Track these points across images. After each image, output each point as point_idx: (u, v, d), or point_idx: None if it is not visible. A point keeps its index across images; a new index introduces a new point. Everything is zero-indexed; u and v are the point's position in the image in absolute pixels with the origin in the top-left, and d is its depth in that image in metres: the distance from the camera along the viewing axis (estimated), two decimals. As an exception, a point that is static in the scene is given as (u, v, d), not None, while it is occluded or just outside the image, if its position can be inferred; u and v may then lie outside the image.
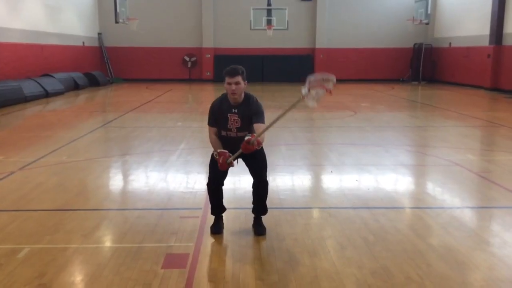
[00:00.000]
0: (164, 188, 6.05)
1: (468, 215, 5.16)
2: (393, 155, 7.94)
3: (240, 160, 4.28)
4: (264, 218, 4.62)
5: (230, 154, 4.08)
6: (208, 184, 4.41)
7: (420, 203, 5.54)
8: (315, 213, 5.19)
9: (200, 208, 5.05)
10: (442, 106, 15.11)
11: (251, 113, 4.16)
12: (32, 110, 13.98)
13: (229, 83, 4.10)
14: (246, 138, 3.89)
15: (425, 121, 12.30)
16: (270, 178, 6.35)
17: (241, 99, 4.20)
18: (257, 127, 4.09)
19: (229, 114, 4.19)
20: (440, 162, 7.46)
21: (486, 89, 19.95)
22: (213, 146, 4.27)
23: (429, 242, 4.29)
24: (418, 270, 3.71)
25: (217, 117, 4.25)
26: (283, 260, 3.89)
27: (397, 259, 3.90)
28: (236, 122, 4.19)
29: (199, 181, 6.12)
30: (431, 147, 8.89)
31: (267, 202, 4.46)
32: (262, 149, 4.31)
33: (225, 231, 4.54)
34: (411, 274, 3.65)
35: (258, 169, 4.33)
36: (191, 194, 5.66)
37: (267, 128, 3.87)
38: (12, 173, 6.61)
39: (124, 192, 6.10)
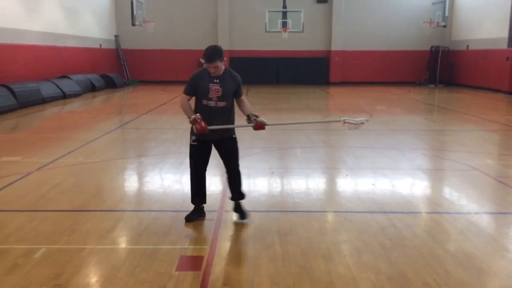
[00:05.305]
0: (179, 189, 6.06)
1: (486, 221, 5.07)
2: (409, 159, 7.85)
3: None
4: (279, 221, 4.61)
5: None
6: (191, 173, 4.72)
7: (438, 208, 5.46)
8: (330, 217, 5.15)
9: (215, 211, 5.04)
10: (460, 110, 14.92)
11: (234, 84, 4.54)
12: (50, 111, 14.15)
13: (209, 66, 4.43)
14: (260, 118, 4.41)
15: (442, 124, 12.15)
16: (285, 181, 6.37)
17: (221, 72, 4.52)
18: (245, 103, 4.61)
19: (210, 84, 4.48)
20: (457, 167, 7.35)
21: (505, 92, 19.66)
22: (185, 112, 4.58)
23: (447, 248, 4.23)
24: (436, 276, 3.65)
25: (198, 87, 4.51)
26: (298, 264, 3.86)
27: (415, 265, 3.85)
28: (217, 92, 4.48)
29: (214, 183, 6.11)
30: (449, 151, 8.77)
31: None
32: (235, 140, 4.68)
33: (240, 234, 4.53)
34: (428, 280, 3.60)
35: (230, 159, 4.69)
36: (206, 196, 5.63)
37: (288, 124, 4.28)
38: (29, 173, 6.69)
39: (140, 194, 6.13)
